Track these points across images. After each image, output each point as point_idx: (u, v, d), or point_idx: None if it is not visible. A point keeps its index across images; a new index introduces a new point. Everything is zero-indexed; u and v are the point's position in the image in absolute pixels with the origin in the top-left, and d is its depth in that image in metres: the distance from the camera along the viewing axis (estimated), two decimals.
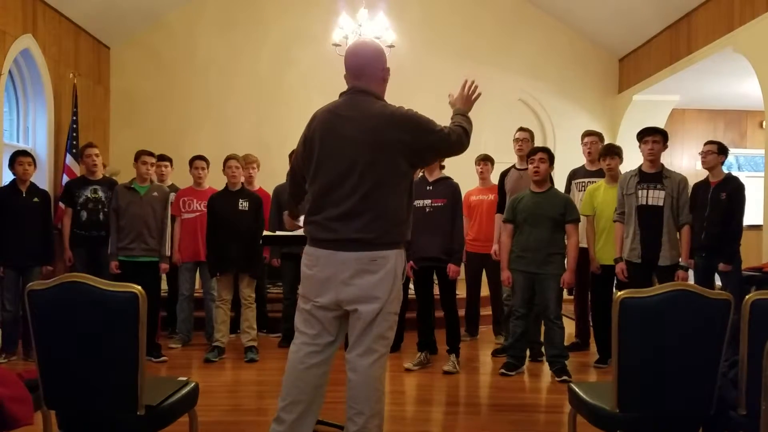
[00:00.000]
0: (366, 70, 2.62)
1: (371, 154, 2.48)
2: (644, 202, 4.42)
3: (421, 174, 4.90)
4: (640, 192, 4.44)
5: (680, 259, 4.39)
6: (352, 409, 2.53)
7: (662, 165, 4.51)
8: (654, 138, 4.43)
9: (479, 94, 2.85)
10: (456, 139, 2.62)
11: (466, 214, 5.62)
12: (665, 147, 4.51)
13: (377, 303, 2.50)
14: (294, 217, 2.95)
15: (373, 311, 2.50)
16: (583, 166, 5.44)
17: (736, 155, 9.25)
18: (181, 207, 5.48)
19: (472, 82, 2.83)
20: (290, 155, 5.36)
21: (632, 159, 5.09)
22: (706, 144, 5.23)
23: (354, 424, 2.51)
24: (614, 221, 4.61)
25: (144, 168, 5.00)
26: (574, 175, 5.47)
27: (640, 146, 4.52)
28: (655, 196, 4.40)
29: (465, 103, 2.81)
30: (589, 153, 5.34)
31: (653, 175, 4.45)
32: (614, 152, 4.87)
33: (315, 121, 2.62)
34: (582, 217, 4.99)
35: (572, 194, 5.31)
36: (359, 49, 2.67)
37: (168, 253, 5.10)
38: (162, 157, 5.83)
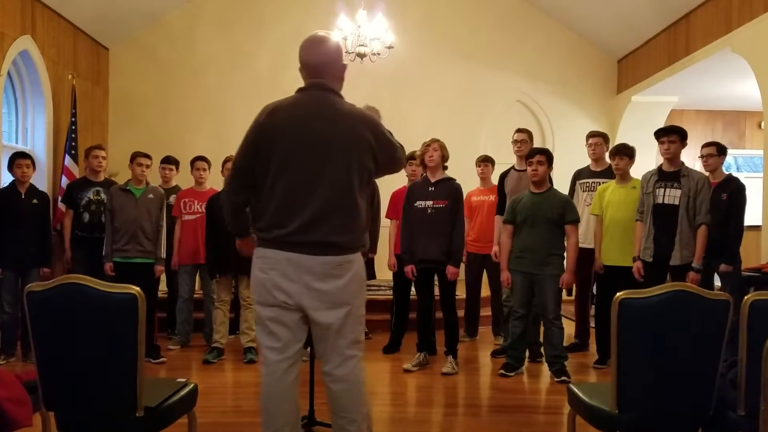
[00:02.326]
0: (328, 68, 2.48)
1: (344, 154, 2.38)
2: (661, 201, 4.42)
3: (423, 174, 4.89)
4: (657, 191, 4.44)
5: (693, 261, 4.33)
6: (343, 419, 2.45)
7: (682, 163, 4.48)
8: (669, 138, 4.42)
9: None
10: (402, 156, 2.60)
11: (466, 215, 5.62)
12: (684, 145, 4.48)
13: (345, 308, 2.40)
14: (246, 234, 2.65)
15: (340, 317, 2.39)
16: (588, 166, 5.44)
17: (734, 156, 9.26)
18: (182, 208, 5.47)
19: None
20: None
21: (636, 159, 5.07)
22: (704, 147, 5.23)
23: None
24: (636, 221, 4.60)
25: (139, 170, 4.99)
26: (579, 175, 5.47)
27: (658, 145, 4.52)
28: (672, 195, 4.39)
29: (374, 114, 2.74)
30: (593, 153, 5.34)
31: (671, 173, 4.44)
32: (623, 152, 4.86)
33: (274, 116, 2.42)
34: (590, 216, 5.00)
35: (577, 194, 5.33)
36: (321, 45, 2.49)
37: (164, 255, 5.08)
38: (167, 160, 5.84)
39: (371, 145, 2.43)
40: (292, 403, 2.46)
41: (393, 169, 2.62)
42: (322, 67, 2.47)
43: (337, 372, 2.44)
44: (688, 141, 4.56)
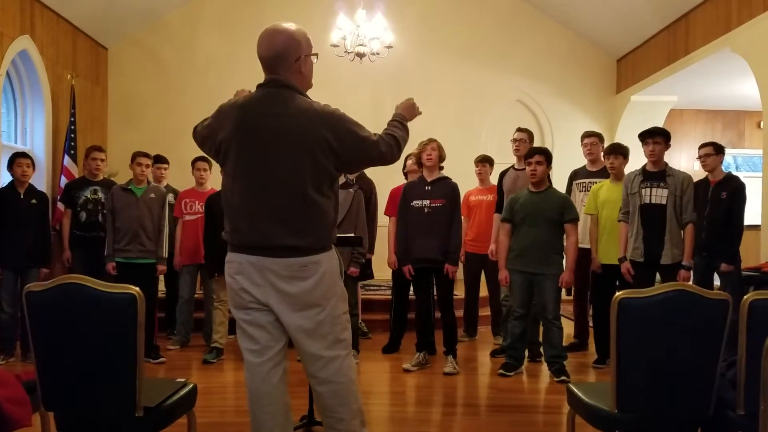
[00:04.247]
0: (279, 61, 2.35)
1: (298, 153, 2.27)
2: (647, 201, 4.42)
3: (419, 174, 4.90)
4: (643, 191, 4.45)
5: (683, 259, 4.36)
6: (331, 418, 2.41)
7: (666, 164, 4.50)
8: (654, 140, 4.44)
9: (420, 113, 2.67)
10: (385, 150, 2.38)
11: (465, 215, 5.62)
12: (668, 147, 4.50)
13: (314, 310, 2.33)
14: None
15: (311, 319, 2.33)
16: (584, 166, 5.45)
17: (734, 155, 9.27)
18: (183, 208, 5.48)
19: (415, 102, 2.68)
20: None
21: (633, 159, 5.09)
22: (701, 147, 5.24)
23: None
24: (619, 221, 4.61)
25: (139, 169, 4.99)
26: (576, 175, 5.48)
27: (642, 147, 4.53)
28: (658, 195, 4.40)
29: (407, 109, 2.61)
30: (589, 154, 5.35)
31: (656, 173, 4.45)
32: (618, 151, 4.87)
33: (227, 117, 2.37)
34: (586, 216, 5.01)
35: (573, 194, 5.33)
36: (270, 37, 2.37)
37: (166, 254, 5.09)
38: (159, 159, 5.84)
39: (329, 144, 2.29)
40: (279, 405, 2.41)
41: (371, 162, 2.44)
42: (271, 61, 2.36)
43: (321, 374, 2.38)
44: (686, 142, 4.56)
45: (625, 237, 4.54)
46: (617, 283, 4.72)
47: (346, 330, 2.45)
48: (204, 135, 2.50)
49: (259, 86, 2.42)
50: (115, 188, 5.07)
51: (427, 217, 4.64)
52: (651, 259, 4.40)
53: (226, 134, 2.37)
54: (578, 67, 8.78)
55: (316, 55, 2.49)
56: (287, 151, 2.29)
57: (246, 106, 2.38)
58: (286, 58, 2.36)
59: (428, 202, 4.66)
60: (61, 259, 5.58)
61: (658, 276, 4.45)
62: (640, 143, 4.60)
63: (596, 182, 5.16)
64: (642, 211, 4.44)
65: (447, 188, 4.69)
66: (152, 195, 5.02)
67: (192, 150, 6.13)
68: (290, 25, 2.42)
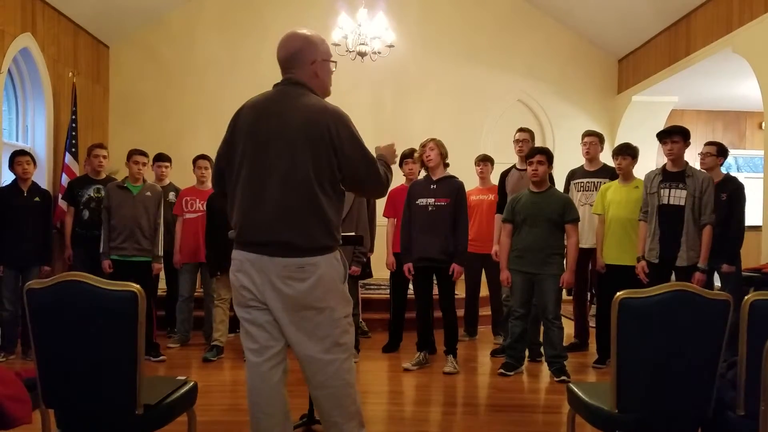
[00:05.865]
0: (294, 62, 2.40)
1: (297, 150, 2.27)
2: (666, 202, 4.39)
3: (424, 173, 4.88)
4: (662, 191, 4.41)
5: (699, 261, 4.32)
6: (327, 422, 2.41)
7: (686, 163, 4.45)
8: (672, 138, 4.40)
9: (395, 162, 2.69)
10: (383, 176, 2.41)
11: None
12: (687, 145, 4.45)
13: (310, 312, 2.30)
14: None
15: (306, 320, 2.30)
16: (582, 166, 5.44)
17: (735, 156, 9.26)
18: (184, 207, 5.48)
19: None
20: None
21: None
22: (705, 145, 5.25)
23: None
24: (639, 220, 4.58)
25: (136, 168, 4.99)
26: (573, 175, 5.48)
27: (661, 146, 4.51)
28: (677, 196, 4.36)
29: (388, 154, 2.61)
30: (587, 153, 5.34)
31: (676, 174, 4.41)
32: (626, 152, 4.85)
33: (240, 114, 2.42)
34: (587, 216, 5.00)
35: (571, 194, 5.32)
36: (288, 39, 2.42)
37: (161, 253, 5.08)
38: (161, 157, 5.84)
39: (331, 139, 2.28)
40: (279, 404, 2.40)
41: (365, 179, 2.39)
42: (287, 60, 2.41)
43: (317, 378, 2.36)
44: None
45: (644, 237, 4.51)
46: (622, 283, 4.70)
47: (347, 333, 2.41)
48: (219, 155, 2.48)
49: (274, 86, 2.46)
50: (110, 186, 5.06)
51: (431, 216, 4.63)
52: (666, 261, 4.37)
53: (236, 132, 2.39)
54: (579, 67, 8.78)
55: (335, 63, 2.50)
56: (289, 146, 2.28)
57: (256, 103, 2.42)
58: (300, 58, 2.40)
59: (432, 200, 4.65)
60: (62, 257, 5.59)
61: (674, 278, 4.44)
62: (642, 143, 4.59)
63: (594, 182, 5.17)
64: (660, 211, 4.40)
65: (452, 187, 4.67)
66: (148, 193, 5.01)
67: (192, 148, 6.20)
68: (308, 30, 2.47)
